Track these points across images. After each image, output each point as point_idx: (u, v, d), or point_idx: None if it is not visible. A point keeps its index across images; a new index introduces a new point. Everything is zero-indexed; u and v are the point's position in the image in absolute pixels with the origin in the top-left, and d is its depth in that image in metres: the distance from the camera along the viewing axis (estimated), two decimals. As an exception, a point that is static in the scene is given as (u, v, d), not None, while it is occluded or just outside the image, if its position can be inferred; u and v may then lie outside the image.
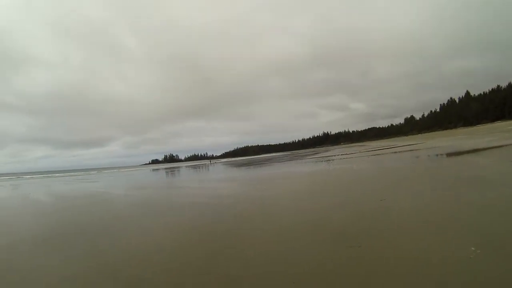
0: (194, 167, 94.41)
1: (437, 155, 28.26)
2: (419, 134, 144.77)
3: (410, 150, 41.71)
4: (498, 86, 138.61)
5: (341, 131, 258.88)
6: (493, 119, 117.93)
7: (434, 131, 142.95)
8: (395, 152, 42.22)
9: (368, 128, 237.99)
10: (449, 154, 26.88)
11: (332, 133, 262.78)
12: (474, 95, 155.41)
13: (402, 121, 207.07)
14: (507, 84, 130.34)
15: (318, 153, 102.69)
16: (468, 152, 26.47)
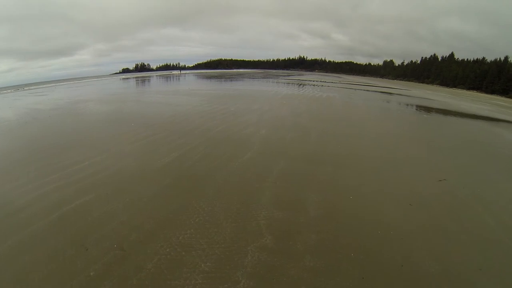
0: (163, 77, 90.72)
1: (444, 111, 23.43)
2: (395, 80, 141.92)
3: (398, 94, 37.11)
4: (484, 58, 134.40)
5: (318, 58, 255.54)
6: (469, 88, 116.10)
7: (410, 81, 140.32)
8: (383, 93, 37.30)
9: (345, 62, 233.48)
10: (458, 114, 22.62)
11: (308, 58, 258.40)
12: (457, 58, 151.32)
13: (381, 62, 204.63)
14: (492, 60, 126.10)
15: (292, 75, 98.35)
16: (478, 117, 22.52)
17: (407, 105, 25.19)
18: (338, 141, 11.24)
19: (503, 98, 66.16)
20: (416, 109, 22.74)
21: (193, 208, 6.08)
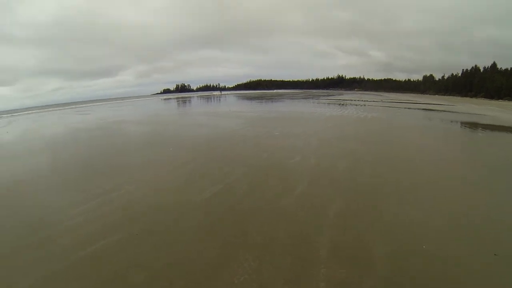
0: (204, 97, 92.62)
1: (499, 127, 21.44)
2: (436, 95, 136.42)
3: (444, 111, 34.82)
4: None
5: (356, 76, 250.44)
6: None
7: (452, 95, 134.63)
8: (428, 110, 35.09)
9: (384, 79, 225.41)
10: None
11: (346, 77, 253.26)
12: (500, 68, 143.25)
13: (420, 77, 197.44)
14: None
15: (332, 95, 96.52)
16: None
17: (457, 122, 23.27)
18: (394, 169, 9.97)
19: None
20: (468, 127, 20.84)
21: (238, 261, 5.03)
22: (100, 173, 10.34)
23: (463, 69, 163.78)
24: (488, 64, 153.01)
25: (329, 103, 45.51)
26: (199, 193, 7.96)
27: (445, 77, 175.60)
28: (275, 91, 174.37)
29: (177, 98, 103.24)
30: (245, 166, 10.08)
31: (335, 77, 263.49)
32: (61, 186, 9.08)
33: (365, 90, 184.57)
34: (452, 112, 34.48)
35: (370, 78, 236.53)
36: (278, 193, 7.91)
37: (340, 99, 60.55)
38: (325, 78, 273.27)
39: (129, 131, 20.36)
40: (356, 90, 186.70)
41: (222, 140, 14.47)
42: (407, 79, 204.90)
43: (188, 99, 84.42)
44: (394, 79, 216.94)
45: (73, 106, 75.45)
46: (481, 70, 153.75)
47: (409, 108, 37.70)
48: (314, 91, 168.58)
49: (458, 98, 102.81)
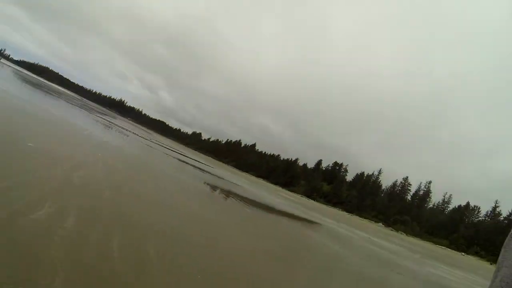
0: None
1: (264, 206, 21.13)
2: (196, 151, 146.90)
3: (208, 172, 34.31)
4: (279, 155, 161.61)
5: (136, 108, 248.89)
6: (258, 176, 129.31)
7: (210, 156, 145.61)
8: (193, 167, 33.85)
9: (159, 120, 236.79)
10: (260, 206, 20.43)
11: (127, 104, 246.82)
12: (257, 149, 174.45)
13: (190, 131, 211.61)
14: (285, 158, 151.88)
15: (106, 115, 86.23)
16: (290, 215, 21.31)
17: (223, 191, 21.61)
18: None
19: (284, 190, 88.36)
20: (235, 199, 19.21)
21: None
22: None
23: (228, 139, 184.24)
24: (251, 142, 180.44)
25: (103, 124, 38.93)
26: None
27: (211, 140, 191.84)
28: (56, 87, 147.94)
29: None
30: None
31: (117, 99, 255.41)
32: None
33: (137, 123, 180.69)
34: (211, 174, 33.61)
35: (148, 115, 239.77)
36: None
37: (113, 123, 54.14)
38: (108, 96, 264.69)
39: None
40: (130, 120, 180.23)
41: None
42: (179, 128, 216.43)
43: None
44: (167, 123, 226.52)
45: None
46: (242, 145, 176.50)
47: (176, 158, 35.87)
48: (94, 104, 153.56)
49: (214, 160, 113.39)
